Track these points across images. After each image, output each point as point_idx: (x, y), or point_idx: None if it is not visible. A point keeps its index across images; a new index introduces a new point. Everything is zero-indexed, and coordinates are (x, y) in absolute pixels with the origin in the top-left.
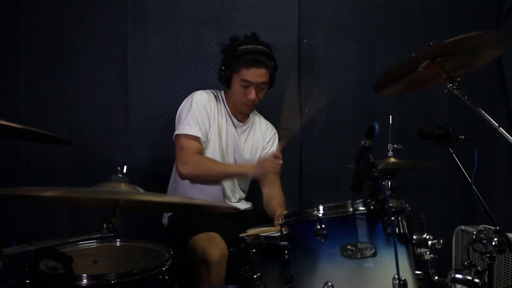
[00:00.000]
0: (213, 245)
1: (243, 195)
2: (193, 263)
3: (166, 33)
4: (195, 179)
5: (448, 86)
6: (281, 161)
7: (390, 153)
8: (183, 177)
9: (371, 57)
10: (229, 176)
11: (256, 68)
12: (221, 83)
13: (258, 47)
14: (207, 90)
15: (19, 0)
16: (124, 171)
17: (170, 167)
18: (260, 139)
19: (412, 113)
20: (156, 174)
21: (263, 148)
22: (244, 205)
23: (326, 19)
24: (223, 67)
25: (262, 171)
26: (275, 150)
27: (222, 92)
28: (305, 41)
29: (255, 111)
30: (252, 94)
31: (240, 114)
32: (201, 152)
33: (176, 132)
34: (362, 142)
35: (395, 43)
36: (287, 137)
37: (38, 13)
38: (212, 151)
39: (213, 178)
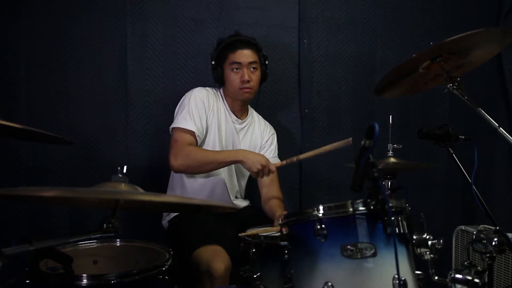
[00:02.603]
0: (218, 259)
1: (242, 192)
2: (197, 275)
3: (166, 33)
4: (188, 171)
5: (448, 86)
6: (271, 173)
7: (390, 153)
8: (175, 169)
9: (371, 57)
10: (220, 163)
11: (241, 50)
12: (216, 81)
13: (241, 36)
14: (207, 88)
15: (19, 0)
16: (124, 171)
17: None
18: (259, 137)
19: (412, 113)
20: (156, 174)
21: (261, 147)
22: (243, 203)
23: (326, 19)
24: (213, 63)
25: (251, 164)
26: (274, 149)
27: (221, 89)
28: (305, 41)
29: (253, 111)
30: (245, 75)
31: (239, 111)
32: (194, 145)
33: (172, 125)
34: (362, 142)
35: (395, 43)
36: (291, 161)
37: (38, 13)
38: (212, 146)
39: (206, 168)
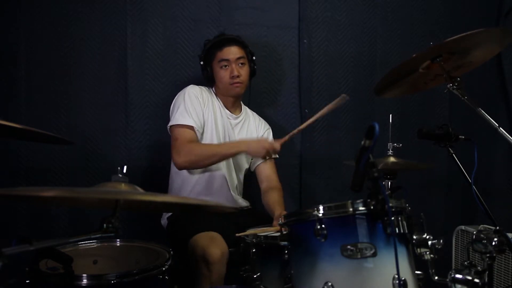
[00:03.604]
0: (214, 244)
1: (240, 187)
2: (194, 263)
3: (166, 33)
4: (192, 167)
5: (448, 86)
6: (278, 153)
7: (390, 152)
8: (179, 167)
9: (371, 57)
10: (224, 156)
11: (228, 47)
12: (207, 81)
13: (226, 35)
14: (200, 86)
15: (19, 0)
16: (124, 171)
17: (170, 167)
18: (254, 132)
19: (412, 113)
20: (156, 174)
21: None
22: (242, 203)
23: (326, 19)
24: (202, 63)
25: (255, 152)
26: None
27: (213, 88)
28: (305, 41)
29: (247, 107)
30: (234, 70)
31: (232, 107)
32: (195, 141)
33: (170, 123)
34: (362, 142)
35: (395, 43)
36: (293, 134)
37: (38, 13)
38: (210, 140)
39: (209, 161)
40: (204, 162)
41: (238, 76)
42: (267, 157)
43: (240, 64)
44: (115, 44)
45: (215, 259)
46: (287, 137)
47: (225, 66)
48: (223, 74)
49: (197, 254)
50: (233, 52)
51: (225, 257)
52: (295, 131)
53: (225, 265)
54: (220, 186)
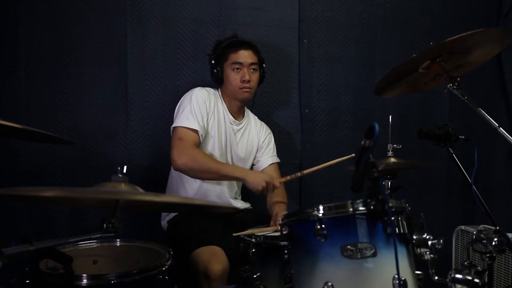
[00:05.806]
0: (215, 260)
1: (239, 193)
2: (195, 275)
3: (166, 33)
4: (189, 173)
5: (448, 86)
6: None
7: (390, 153)
8: (177, 167)
9: (371, 57)
10: (224, 176)
11: (243, 50)
12: (215, 81)
13: (241, 38)
14: (206, 88)
15: (19, 0)
16: (124, 171)
17: (170, 167)
18: (255, 138)
19: (412, 113)
20: (156, 174)
21: (258, 148)
22: (243, 205)
23: (326, 19)
24: (212, 62)
25: (254, 184)
26: (272, 149)
27: (219, 90)
28: (305, 41)
29: (250, 112)
30: (246, 75)
31: (237, 112)
32: (198, 145)
33: (174, 124)
34: (362, 142)
35: (395, 43)
36: (296, 177)
37: (38, 13)
38: (212, 146)
39: (207, 175)
40: (201, 174)
41: (249, 81)
42: (264, 193)
43: (252, 70)
44: (115, 44)
45: (217, 275)
46: (288, 177)
47: (238, 69)
48: (234, 77)
49: (199, 270)
50: (247, 56)
51: (226, 272)
52: (298, 174)
53: (226, 279)
54: (219, 192)
